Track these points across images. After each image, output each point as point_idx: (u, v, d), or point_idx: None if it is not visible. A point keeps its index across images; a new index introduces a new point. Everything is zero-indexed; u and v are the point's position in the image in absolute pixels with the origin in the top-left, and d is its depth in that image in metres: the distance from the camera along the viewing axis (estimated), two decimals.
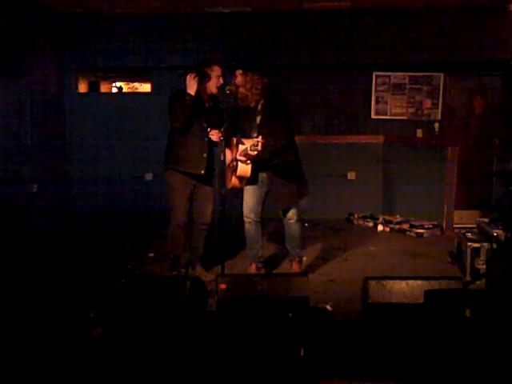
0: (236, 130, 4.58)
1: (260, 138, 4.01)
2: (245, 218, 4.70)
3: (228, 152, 4.61)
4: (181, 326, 3.33)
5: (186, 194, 4.62)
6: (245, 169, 4.39)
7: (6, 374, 2.92)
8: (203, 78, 4.39)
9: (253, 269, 4.84)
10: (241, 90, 4.40)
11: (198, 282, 3.65)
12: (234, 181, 4.51)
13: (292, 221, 4.68)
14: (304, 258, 5.41)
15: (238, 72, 4.41)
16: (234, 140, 4.52)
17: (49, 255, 5.40)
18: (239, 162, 4.36)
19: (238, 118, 4.57)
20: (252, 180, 4.52)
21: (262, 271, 4.87)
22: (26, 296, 3.71)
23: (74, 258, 5.37)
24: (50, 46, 7.02)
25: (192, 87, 4.31)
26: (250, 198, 4.66)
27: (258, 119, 4.48)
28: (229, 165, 4.55)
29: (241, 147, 4.35)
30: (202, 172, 4.53)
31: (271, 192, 4.57)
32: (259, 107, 4.47)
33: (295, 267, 4.81)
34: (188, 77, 4.32)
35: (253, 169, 4.39)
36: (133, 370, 2.99)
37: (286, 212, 4.66)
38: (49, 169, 6.89)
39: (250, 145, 4.06)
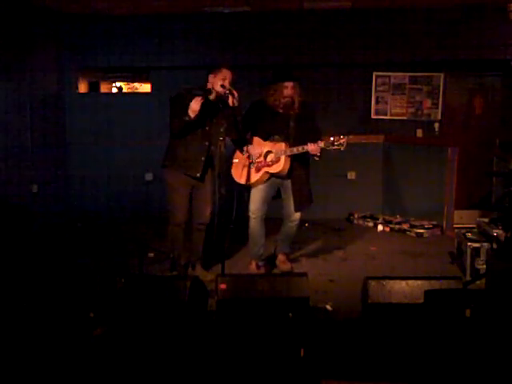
0: (255, 130, 4.76)
1: (345, 136, 4.43)
2: (251, 214, 4.82)
3: (250, 149, 4.73)
4: (181, 325, 3.33)
5: (185, 193, 4.64)
6: (288, 165, 4.66)
7: (6, 374, 2.92)
8: (209, 95, 4.45)
9: (253, 267, 4.91)
10: (287, 99, 4.64)
11: (198, 282, 3.65)
12: (263, 176, 4.70)
13: (296, 222, 4.88)
14: (303, 259, 5.43)
15: (289, 84, 4.64)
16: (256, 139, 4.72)
17: (49, 255, 5.40)
18: (283, 158, 4.61)
19: (258, 119, 4.74)
20: (286, 176, 4.73)
21: (262, 270, 4.91)
22: (27, 296, 3.71)
23: (73, 258, 5.37)
24: (50, 46, 7.02)
25: (194, 111, 4.34)
26: (259, 195, 4.79)
27: (292, 123, 4.70)
28: (253, 161, 4.71)
29: (283, 145, 4.63)
30: (198, 175, 4.56)
31: (293, 193, 4.76)
32: (292, 112, 4.69)
33: (281, 258, 5.01)
34: (194, 100, 4.34)
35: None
36: (133, 369, 2.99)
37: (295, 213, 4.81)
38: (49, 169, 6.88)
39: (325, 142, 4.44)
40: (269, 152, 4.68)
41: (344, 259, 5.45)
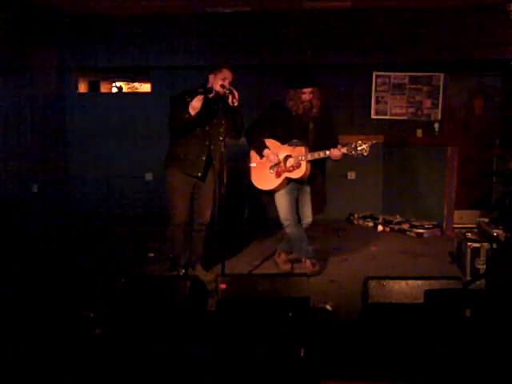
0: (273, 132, 4.69)
1: (368, 141, 4.36)
2: (284, 222, 4.77)
3: (269, 153, 4.67)
4: (181, 326, 3.33)
5: (186, 193, 4.64)
6: (309, 170, 4.60)
7: (6, 374, 2.92)
8: (210, 93, 4.45)
9: (308, 266, 4.87)
10: (306, 103, 4.56)
11: (198, 282, 3.65)
12: (283, 182, 4.65)
13: (309, 225, 4.88)
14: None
15: (308, 90, 4.55)
16: (274, 142, 4.65)
17: (48, 255, 5.40)
18: (304, 163, 4.54)
19: (277, 121, 4.67)
20: (307, 180, 4.69)
21: (317, 267, 4.90)
22: (26, 296, 3.70)
23: (73, 257, 5.37)
24: (49, 45, 7.02)
25: (195, 108, 4.34)
26: (286, 200, 4.74)
27: (311, 126, 4.63)
28: (273, 166, 4.65)
29: (303, 149, 4.55)
30: (199, 174, 4.56)
31: (312, 198, 4.75)
32: (311, 115, 4.61)
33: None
34: (195, 98, 4.33)
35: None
36: (133, 369, 2.99)
37: (309, 217, 4.82)
38: (49, 169, 6.89)
39: (347, 147, 4.38)
40: (288, 156, 4.61)
41: (344, 259, 5.44)
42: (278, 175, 4.64)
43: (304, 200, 4.78)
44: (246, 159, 4.84)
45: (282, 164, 4.63)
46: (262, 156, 4.69)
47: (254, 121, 4.78)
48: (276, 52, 7.01)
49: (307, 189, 4.75)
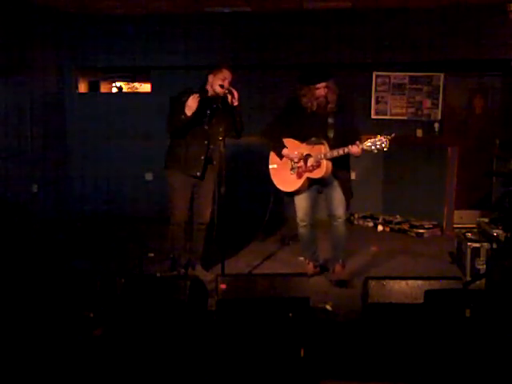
0: (290, 130, 4.57)
1: (387, 136, 4.23)
2: (300, 222, 4.73)
3: (288, 152, 4.57)
4: (181, 325, 3.33)
5: (186, 193, 4.64)
6: (330, 168, 4.45)
7: (6, 374, 2.92)
8: (204, 94, 4.45)
9: (311, 267, 4.85)
10: (321, 99, 4.41)
11: (197, 282, 3.65)
12: (305, 182, 4.55)
13: (342, 220, 4.71)
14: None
15: (321, 85, 4.39)
16: (292, 141, 4.55)
17: (48, 255, 5.40)
18: (324, 162, 4.40)
19: (294, 119, 4.55)
20: (328, 178, 4.53)
21: (318, 269, 4.88)
22: (26, 296, 3.70)
23: (73, 258, 5.37)
24: (49, 45, 7.02)
25: (190, 109, 4.34)
26: (304, 202, 4.67)
27: (330, 122, 4.48)
28: (293, 167, 4.56)
29: (322, 148, 4.39)
30: (198, 174, 4.56)
31: (344, 193, 4.61)
32: (328, 110, 4.45)
33: (338, 270, 4.75)
34: (191, 97, 4.33)
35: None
36: (133, 369, 2.99)
37: (339, 211, 4.65)
38: (49, 169, 6.89)
39: (366, 144, 4.24)
40: (308, 155, 4.49)
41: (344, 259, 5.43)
42: (300, 176, 4.54)
43: (330, 196, 4.61)
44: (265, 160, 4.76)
45: (302, 164, 4.52)
46: (281, 157, 4.60)
47: (273, 120, 4.68)
48: (276, 52, 7.00)
49: (334, 183, 4.57)
